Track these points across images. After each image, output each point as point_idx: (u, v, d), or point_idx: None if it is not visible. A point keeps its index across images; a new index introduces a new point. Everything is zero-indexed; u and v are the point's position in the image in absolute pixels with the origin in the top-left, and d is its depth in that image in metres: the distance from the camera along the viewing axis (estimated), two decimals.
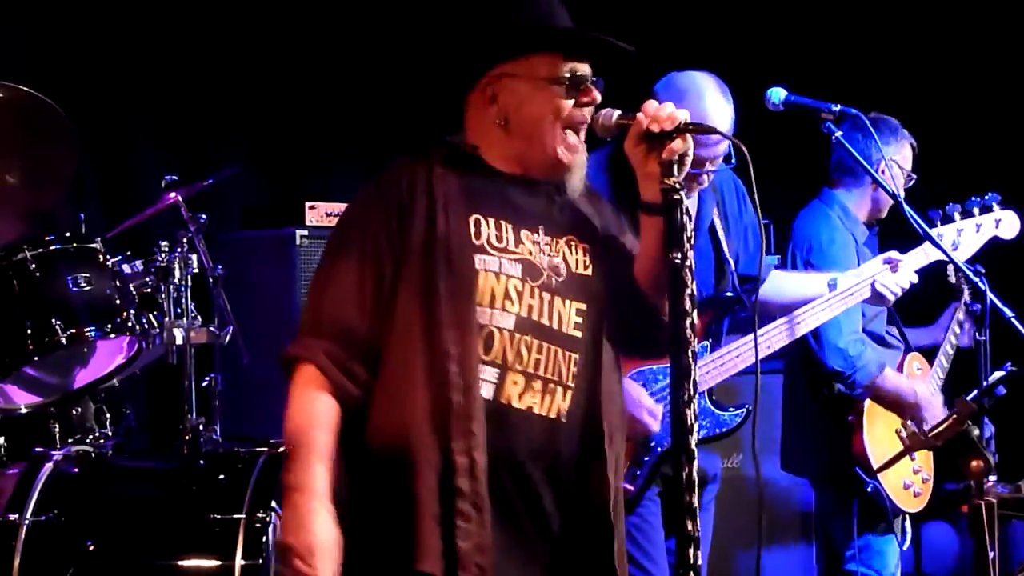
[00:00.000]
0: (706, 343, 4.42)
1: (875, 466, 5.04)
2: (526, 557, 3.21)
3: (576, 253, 3.30)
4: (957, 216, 5.12)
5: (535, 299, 3.21)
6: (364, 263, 3.19)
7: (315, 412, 3.17)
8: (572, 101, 3.25)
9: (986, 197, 5.17)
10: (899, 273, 4.85)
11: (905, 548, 5.43)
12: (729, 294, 4.48)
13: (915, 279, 4.91)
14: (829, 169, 5.36)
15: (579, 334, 3.25)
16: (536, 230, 3.27)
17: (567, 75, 3.24)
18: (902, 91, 6.98)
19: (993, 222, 5.12)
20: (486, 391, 3.15)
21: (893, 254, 4.90)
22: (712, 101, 4.29)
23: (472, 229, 3.21)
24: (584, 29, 3.30)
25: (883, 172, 5.00)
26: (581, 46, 3.28)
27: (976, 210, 5.13)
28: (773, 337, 4.62)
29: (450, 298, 3.14)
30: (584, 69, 3.27)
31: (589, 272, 3.30)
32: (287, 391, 3.21)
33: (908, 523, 5.41)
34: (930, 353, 5.52)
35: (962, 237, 5.07)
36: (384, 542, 3.16)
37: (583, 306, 3.26)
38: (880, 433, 5.16)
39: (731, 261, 4.50)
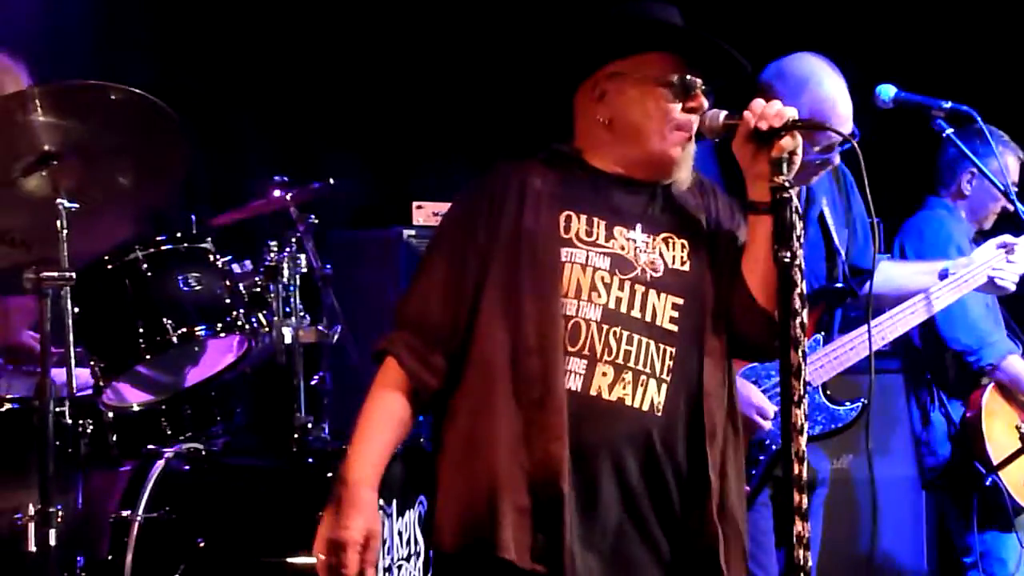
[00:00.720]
0: (819, 336, 4.37)
1: (995, 461, 4.98)
2: (617, 551, 3.18)
3: (673, 250, 3.27)
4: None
5: (624, 291, 3.19)
6: (451, 260, 3.25)
7: (383, 408, 3.25)
8: (680, 105, 3.23)
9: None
10: (1016, 257, 4.72)
11: None
12: (839, 285, 4.42)
13: None
14: (935, 174, 5.29)
15: (675, 328, 3.22)
16: (632, 227, 3.26)
17: (677, 78, 3.23)
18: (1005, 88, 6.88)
19: None
20: (574, 383, 3.14)
21: (1007, 237, 4.77)
22: (833, 85, 4.24)
23: (561, 224, 3.21)
24: (701, 31, 3.27)
25: (992, 173, 4.93)
26: (694, 51, 3.26)
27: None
28: (886, 328, 4.54)
29: (534, 291, 3.15)
30: (696, 73, 3.25)
31: (687, 268, 3.27)
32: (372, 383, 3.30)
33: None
34: None
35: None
36: (466, 527, 3.17)
37: (680, 300, 3.23)
38: (1000, 428, 5.10)
39: (841, 251, 4.44)
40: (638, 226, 3.26)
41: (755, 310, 3.24)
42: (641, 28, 3.25)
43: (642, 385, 3.17)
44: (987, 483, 5.06)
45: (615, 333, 3.17)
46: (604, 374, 3.16)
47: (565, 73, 3.32)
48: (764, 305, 3.22)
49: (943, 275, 4.70)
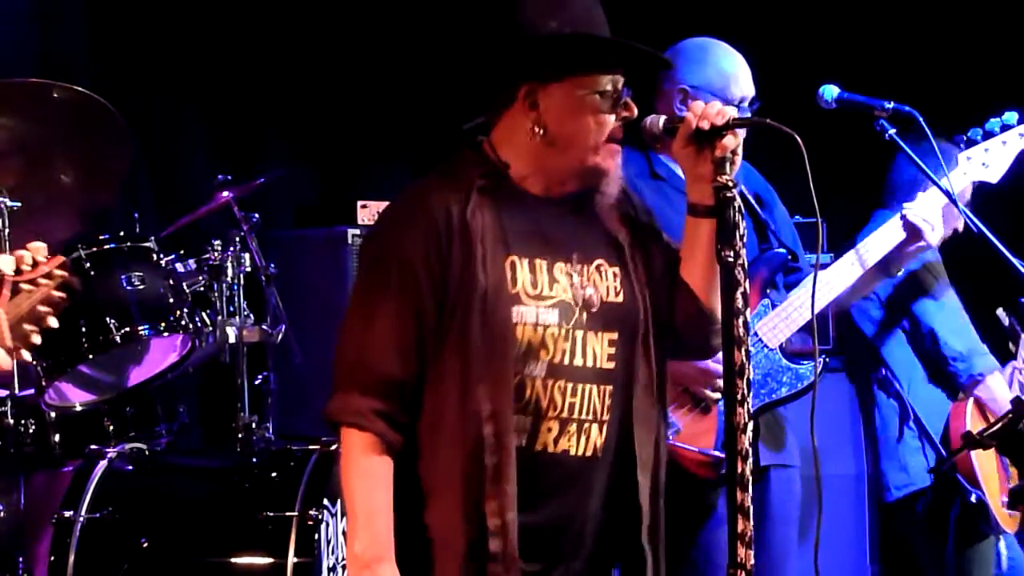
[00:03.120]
0: (767, 302, 4.39)
1: (980, 477, 4.99)
2: None
3: (606, 279, 3.21)
4: (979, 139, 5.07)
5: (568, 341, 3.13)
6: (404, 305, 3.09)
7: (370, 477, 3.09)
8: (613, 116, 3.17)
9: (1004, 116, 5.10)
10: (930, 200, 4.68)
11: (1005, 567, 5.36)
12: (780, 250, 4.44)
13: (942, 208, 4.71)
14: (888, 189, 5.27)
15: (612, 365, 3.18)
16: (569, 260, 3.18)
17: (609, 88, 3.16)
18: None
19: (1017, 136, 5.01)
20: (520, 440, 3.09)
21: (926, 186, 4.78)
22: (730, 53, 4.39)
23: (508, 275, 3.11)
24: (633, 42, 3.23)
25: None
26: (623, 58, 3.21)
27: (998, 129, 5.07)
28: (834, 281, 4.53)
29: (486, 353, 3.06)
30: (622, 81, 3.20)
31: (620, 298, 3.21)
32: (341, 451, 3.14)
33: (1003, 544, 5.32)
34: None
35: (990, 155, 4.95)
36: None
37: (614, 335, 3.18)
38: (987, 455, 5.10)
39: (770, 223, 4.47)
40: (574, 256, 3.19)
41: (697, 311, 3.23)
42: (572, 46, 3.18)
43: (585, 433, 3.14)
44: (972, 499, 5.06)
45: (559, 387, 3.12)
46: (549, 429, 3.11)
47: (493, 78, 3.23)
48: (706, 305, 3.22)
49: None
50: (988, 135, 5.00)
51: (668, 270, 3.27)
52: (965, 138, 4.99)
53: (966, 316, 5.11)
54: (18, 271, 3.14)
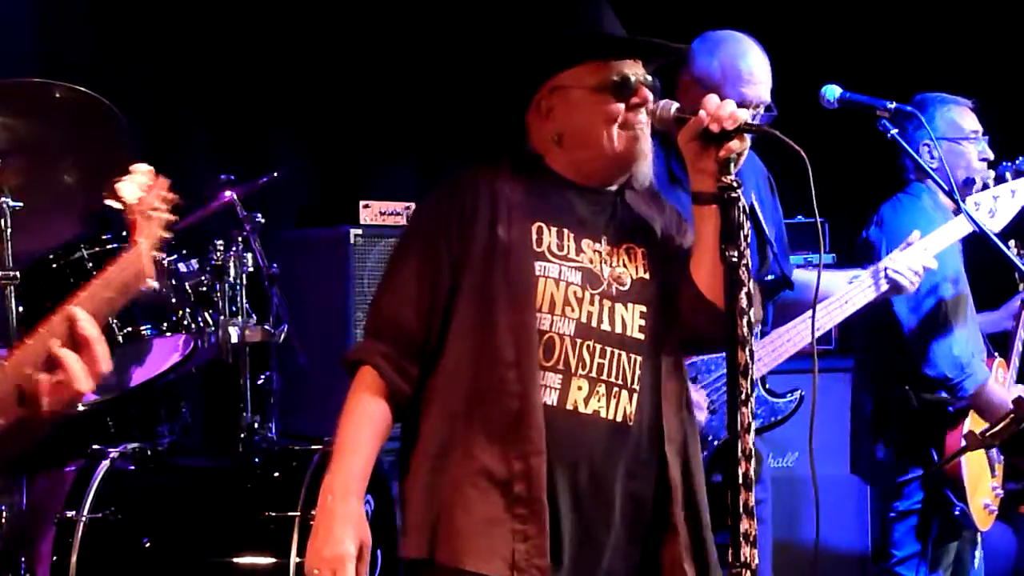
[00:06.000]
0: (755, 330, 4.39)
1: (968, 490, 5.00)
2: (595, 558, 3.21)
3: (635, 260, 3.30)
4: (991, 183, 5.06)
5: (595, 306, 3.21)
6: (424, 268, 3.24)
7: (366, 416, 3.23)
8: (623, 105, 3.25)
9: (1018, 161, 5.11)
10: (909, 254, 4.73)
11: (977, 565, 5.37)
12: (770, 277, 4.44)
13: (933, 264, 4.75)
14: (905, 168, 5.26)
15: (643, 336, 3.25)
16: (599, 240, 3.28)
17: (615, 79, 3.24)
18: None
19: None
20: (550, 397, 3.15)
21: (910, 238, 4.80)
22: (749, 47, 4.34)
23: (534, 236, 3.22)
24: (630, 36, 3.30)
25: (937, 159, 4.95)
26: (628, 49, 3.28)
27: (1009, 175, 5.08)
28: (807, 328, 4.52)
29: (509, 304, 3.16)
30: (635, 69, 3.27)
31: (649, 276, 3.29)
32: (348, 392, 3.27)
33: (980, 551, 5.36)
34: (993, 339, 5.46)
35: (998, 203, 4.99)
36: (435, 537, 3.17)
37: (645, 309, 3.26)
38: (974, 457, 5.09)
39: (772, 243, 4.46)
40: (603, 238, 3.28)
41: (703, 304, 3.25)
42: (572, 43, 3.27)
43: (615, 397, 3.20)
44: (956, 512, 5.08)
45: (588, 347, 3.19)
46: (579, 388, 3.18)
47: (509, 94, 3.35)
48: (711, 299, 3.24)
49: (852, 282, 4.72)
50: (1000, 180, 5.03)
51: (684, 263, 3.33)
52: (976, 181, 5.02)
53: (962, 317, 5.09)
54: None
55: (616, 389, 3.20)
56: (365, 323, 3.38)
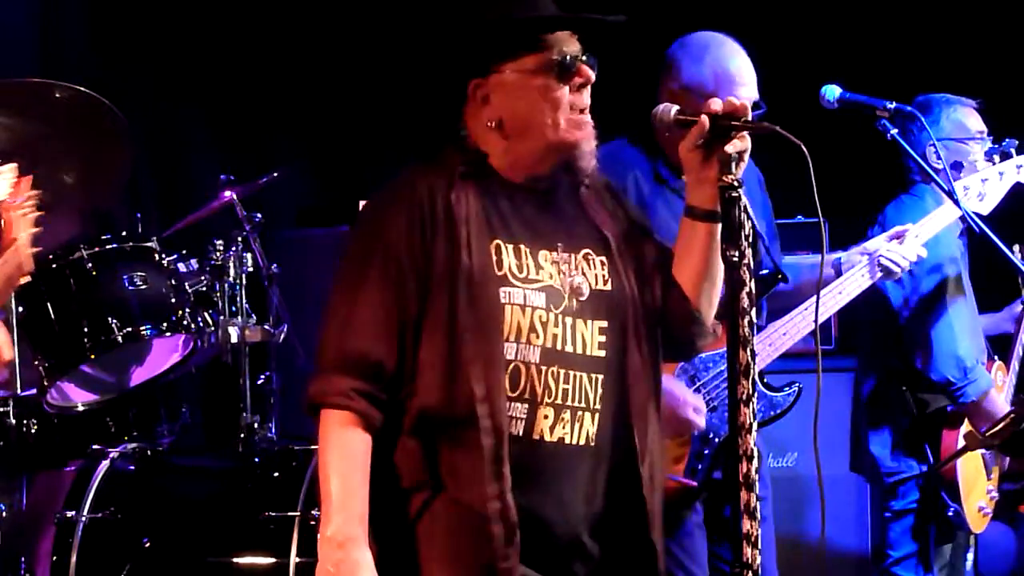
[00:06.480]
0: None
1: (962, 491, 5.00)
2: None
3: (594, 268, 3.18)
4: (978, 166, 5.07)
5: (559, 327, 3.10)
6: (387, 290, 3.06)
7: (348, 456, 3.04)
8: (567, 87, 3.12)
9: (1003, 143, 5.10)
10: (906, 245, 4.73)
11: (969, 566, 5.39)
12: (765, 272, 4.44)
13: (923, 252, 4.75)
14: (909, 168, 5.25)
15: (603, 353, 3.14)
16: (554, 248, 3.15)
17: (555, 58, 3.11)
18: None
19: (1014, 168, 5.02)
20: (516, 427, 3.05)
21: (899, 228, 4.80)
22: (734, 50, 4.29)
23: (494, 258, 3.08)
24: (564, 13, 3.17)
25: (943, 160, 4.95)
26: (566, 26, 3.14)
27: (996, 157, 5.08)
28: (809, 316, 4.52)
29: (476, 334, 3.03)
30: (573, 47, 3.13)
31: (609, 287, 3.18)
32: (320, 433, 3.07)
33: (971, 552, 5.37)
34: (994, 341, 5.46)
35: (987, 186, 4.97)
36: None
37: (604, 324, 3.15)
38: (970, 460, 5.09)
39: (764, 238, 4.45)
40: (559, 246, 3.16)
41: (686, 311, 3.21)
42: (505, 31, 3.15)
43: (579, 421, 3.11)
44: (950, 513, 5.08)
45: (553, 373, 3.09)
46: (545, 416, 3.08)
47: (444, 81, 3.22)
48: (694, 305, 3.20)
49: (836, 264, 4.70)
50: (987, 163, 5.02)
51: (659, 266, 3.25)
52: (963, 164, 5.03)
53: (963, 317, 5.09)
54: None
55: (580, 413, 3.11)
56: (326, 349, 3.11)
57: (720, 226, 3.06)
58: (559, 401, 3.09)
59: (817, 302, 3.34)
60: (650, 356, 3.20)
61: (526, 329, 3.06)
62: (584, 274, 3.16)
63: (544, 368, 3.07)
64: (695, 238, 3.18)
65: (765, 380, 4.43)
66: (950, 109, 5.18)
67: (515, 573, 3.01)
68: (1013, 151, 5.06)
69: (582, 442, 3.10)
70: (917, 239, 4.74)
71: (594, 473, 3.13)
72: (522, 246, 3.12)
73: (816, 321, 3.40)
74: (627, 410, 3.15)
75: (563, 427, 3.09)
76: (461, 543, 3.03)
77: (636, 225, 3.30)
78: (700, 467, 4.28)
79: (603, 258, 3.19)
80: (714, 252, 3.14)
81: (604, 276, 3.18)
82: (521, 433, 3.05)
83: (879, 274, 4.68)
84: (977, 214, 4.87)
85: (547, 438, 3.08)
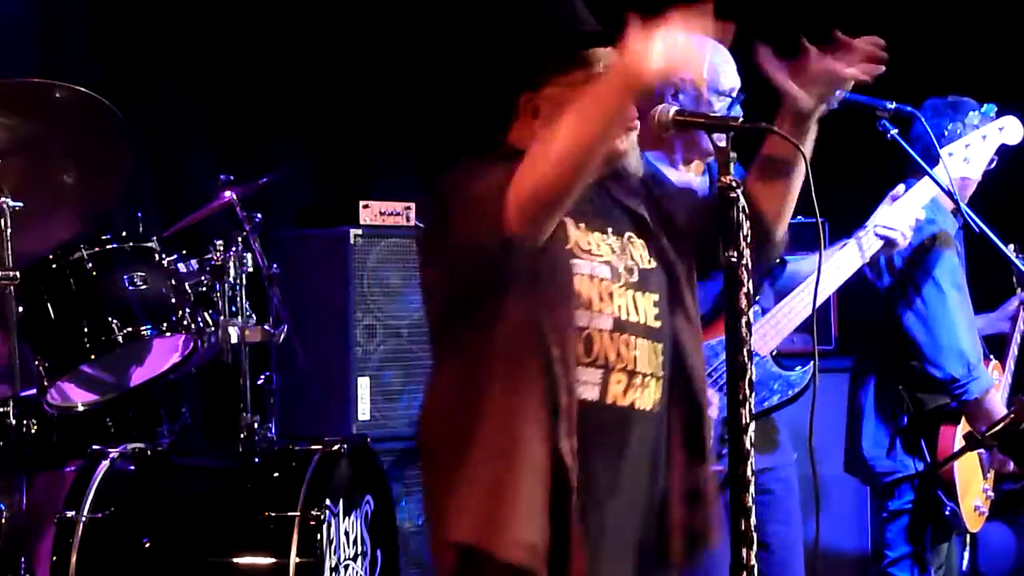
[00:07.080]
0: (756, 308, 4.39)
1: (959, 491, 5.00)
2: (626, 550, 3.24)
3: (638, 249, 3.32)
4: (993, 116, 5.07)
5: (624, 299, 3.23)
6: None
7: None
8: None
9: (983, 109, 5.10)
10: (897, 208, 4.71)
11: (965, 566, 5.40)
12: None
13: (921, 215, 4.74)
14: (904, 168, 5.25)
15: (659, 324, 3.28)
16: (605, 232, 3.28)
17: (602, 71, 3.19)
18: None
19: (996, 130, 5.01)
20: (591, 393, 3.17)
21: (896, 191, 4.79)
22: (716, 52, 4.29)
23: (561, 232, 3.18)
24: (594, 29, 3.26)
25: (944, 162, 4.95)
26: (594, 45, 3.24)
27: (977, 119, 5.08)
28: (802, 303, 4.52)
29: (551, 301, 3.14)
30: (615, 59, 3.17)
31: (653, 264, 3.32)
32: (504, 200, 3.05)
33: (967, 552, 5.39)
34: (989, 341, 5.46)
35: (971, 151, 4.96)
36: (475, 524, 3.12)
37: (656, 296, 3.29)
38: (967, 461, 5.09)
39: None
40: (609, 230, 3.29)
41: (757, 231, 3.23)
42: (562, 51, 3.23)
43: (646, 387, 3.23)
44: (946, 512, 5.08)
45: (624, 340, 3.21)
46: (618, 382, 3.20)
47: (494, 95, 3.31)
48: (762, 210, 3.34)
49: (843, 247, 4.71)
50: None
51: (691, 216, 3.40)
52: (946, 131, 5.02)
53: (964, 317, 5.08)
54: None
55: (647, 378, 3.23)
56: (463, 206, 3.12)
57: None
58: (629, 367, 3.21)
59: (815, 302, 3.35)
60: (695, 329, 3.36)
61: (596, 298, 3.19)
62: (631, 255, 3.30)
63: (616, 335, 3.20)
64: (790, 150, 3.27)
65: (777, 358, 4.43)
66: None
67: (584, 524, 3.11)
68: (993, 114, 5.06)
69: (649, 407, 3.24)
70: (913, 205, 4.71)
71: (661, 438, 3.27)
72: (582, 225, 3.25)
73: (813, 310, 3.43)
74: (688, 377, 3.31)
75: (634, 392, 3.22)
76: (535, 499, 3.08)
77: (660, 191, 3.46)
78: (724, 452, 4.27)
79: (643, 240, 3.34)
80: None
81: (647, 256, 3.32)
82: (595, 398, 3.18)
83: (879, 244, 4.65)
84: (975, 214, 4.87)
85: (620, 403, 3.20)
